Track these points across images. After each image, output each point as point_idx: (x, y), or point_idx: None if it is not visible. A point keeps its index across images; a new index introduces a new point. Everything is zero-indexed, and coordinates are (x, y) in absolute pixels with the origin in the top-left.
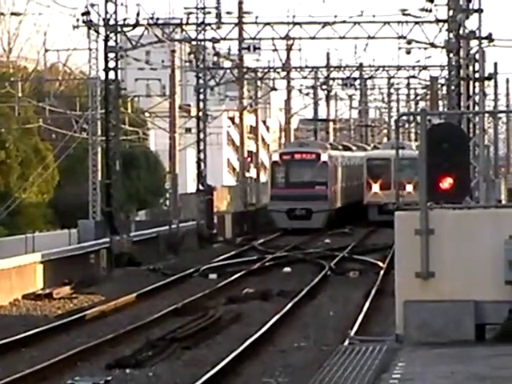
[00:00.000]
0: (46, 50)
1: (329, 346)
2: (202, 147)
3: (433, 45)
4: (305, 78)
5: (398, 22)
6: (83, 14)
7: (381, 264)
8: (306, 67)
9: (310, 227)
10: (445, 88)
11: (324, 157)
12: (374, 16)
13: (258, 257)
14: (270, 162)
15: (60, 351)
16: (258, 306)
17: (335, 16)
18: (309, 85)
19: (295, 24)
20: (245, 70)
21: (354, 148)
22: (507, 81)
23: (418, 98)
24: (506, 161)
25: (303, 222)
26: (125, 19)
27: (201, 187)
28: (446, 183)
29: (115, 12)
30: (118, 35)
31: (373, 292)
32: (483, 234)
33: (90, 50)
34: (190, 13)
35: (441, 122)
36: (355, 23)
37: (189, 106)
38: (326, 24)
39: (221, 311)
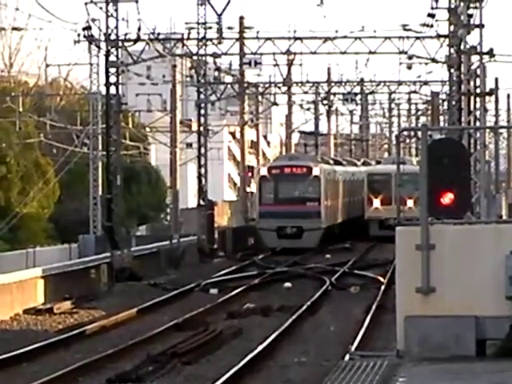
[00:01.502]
0: (47, 65)
1: (329, 361)
2: (202, 162)
3: (434, 60)
4: (306, 92)
5: (399, 37)
6: (84, 29)
7: (381, 279)
8: (307, 82)
9: (301, 247)
10: (446, 103)
11: (316, 171)
12: (374, 31)
13: (259, 272)
14: (258, 176)
15: (60, 366)
16: (259, 321)
17: (336, 31)
18: (310, 100)
19: (296, 39)
20: (246, 84)
21: (344, 163)
22: (508, 96)
23: (419, 113)
24: (507, 176)
25: (294, 242)
26: (126, 34)
27: (201, 202)
28: (447, 198)
29: (116, 27)
30: (119, 50)
31: (373, 307)
32: (484, 250)
33: (91, 64)
34: (191, 28)
35: (442, 138)
36: (356, 38)
37: (190, 120)
38: (326, 39)
39: (221, 326)
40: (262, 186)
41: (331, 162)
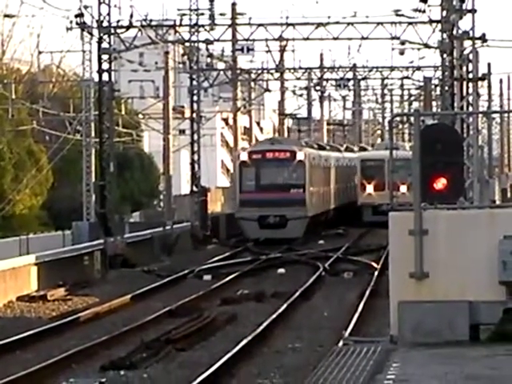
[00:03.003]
0: (40, 52)
1: (323, 346)
2: (195, 149)
3: (426, 45)
4: (298, 79)
5: (392, 23)
6: (76, 16)
7: (375, 265)
8: (300, 68)
9: (285, 237)
10: (438, 88)
11: (300, 155)
12: (367, 17)
13: (253, 258)
14: (238, 161)
15: (54, 353)
16: (253, 307)
17: (328, 17)
18: (302, 86)
19: (288, 25)
20: (238, 71)
21: (327, 148)
22: (501, 81)
23: (412, 98)
24: (500, 161)
25: (277, 232)
26: (118, 21)
27: (195, 188)
28: (440, 184)
29: (108, 14)
30: (112, 37)
31: (367, 293)
32: (477, 235)
33: (83, 51)
34: (184, 14)
35: (434, 123)
36: (348, 24)
37: (182, 107)
38: (319, 25)
39: (215, 312)
40: (242, 172)
41: (315, 146)
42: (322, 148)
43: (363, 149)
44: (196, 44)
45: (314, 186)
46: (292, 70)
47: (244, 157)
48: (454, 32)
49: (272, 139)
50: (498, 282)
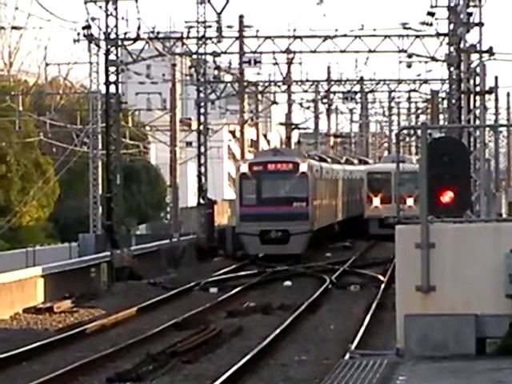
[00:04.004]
0: (47, 64)
1: (329, 359)
2: (202, 161)
3: (433, 58)
4: (305, 91)
5: (399, 36)
6: (84, 28)
7: (381, 278)
8: (307, 81)
9: (288, 253)
10: (445, 102)
11: (303, 167)
12: (374, 30)
13: (259, 270)
14: (238, 174)
15: (61, 365)
16: (259, 320)
17: (336, 30)
18: (309, 98)
19: (296, 38)
20: (245, 83)
21: (328, 160)
22: (508, 94)
23: (419, 111)
24: (507, 174)
25: (279, 247)
26: (125, 33)
27: (201, 201)
28: (447, 197)
29: (116, 26)
30: (119, 49)
31: (373, 306)
32: (484, 248)
33: (90, 63)
34: (191, 27)
35: (441, 136)
36: (356, 37)
37: (189, 119)
38: (326, 38)
39: (221, 325)
40: (242, 185)
41: (316, 158)
42: (324, 160)
43: (364, 162)
44: (203, 56)
45: (318, 199)
46: (299, 83)
47: (244, 168)
48: (462, 45)
49: (274, 150)
50: (504, 295)
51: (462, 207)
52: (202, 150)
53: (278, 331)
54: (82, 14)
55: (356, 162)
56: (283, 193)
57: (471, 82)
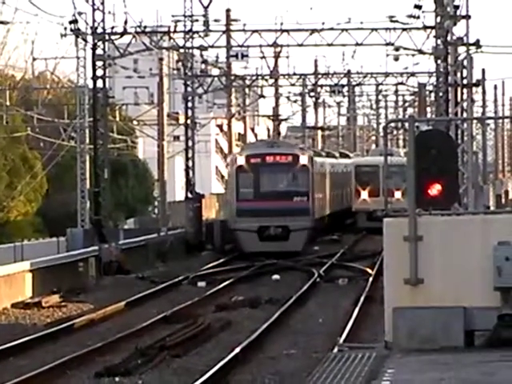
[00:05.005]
0: (34, 59)
1: (318, 353)
2: (190, 155)
3: (421, 51)
4: (293, 85)
5: (386, 29)
6: (71, 23)
7: (370, 271)
8: (294, 74)
9: (287, 250)
10: (433, 94)
11: (303, 159)
12: (361, 23)
13: (247, 264)
14: (234, 166)
15: (49, 360)
16: (248, 314)
17: (323, 23)
18: (297, 92)
19: (283, 31)
20: (233, 77)
21: (322, 154)
22: (495, 87)
23: (406, 104)
24: (494, 167)
25: (278, 244)
26: (112, 27)
27: (189, 195)
28: (435, 190)
29: (103, 20)
30: (106, 43)
31: (362, 299)
32: (472, 241)
33: (77, 58)
34: (178, 21)
35: (429, 129)
36: (343, 30)
37: (177, 113)
38: (313, 31)
39: (210, 319)
40: (239, 178)
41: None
42: (315, 153)
43: (345, 155)
44: (190, 50)
45: (317, 193)
46: (286, 76)
47: (241, 161)
48: (449, 38)
49: (270, 141)
50: (492, 287)
51: (449, 200)
52: (190, 144)
53: (266, 325)
54: (69, 9)
55: (337, 155)
56: (283, 187)
57: (458, 74)
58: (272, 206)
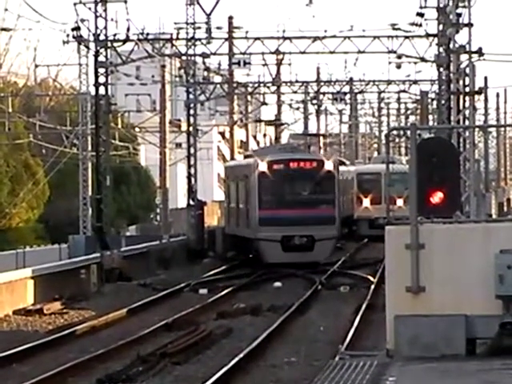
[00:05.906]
0: (36, 66)
1: (319, 360)
2: (192, 162)
3: (423, 59)
4: (295, 92)
5: (388, 37)
6: (73, 30)
7: (371, 278)
8: (296, 82)
9: (312, 260)
10: (435, 102)
11: (329, 165)
12: (364, 30)
13: (249, 271)
14: (256, 173)
15: (51, 367)
16: (249, 321)
17: (325, 31)
18: (299, 99)
19: (285, 39)
20: (235, 84)
21: None
22: (497, 95)
23: (408, 112)
24: (497, 175)
25: (303, 255)
26: (115, 34)
27: (191, 202)
28: (437, 198)
29: (105, 27)
30: (108, 50)
31: (363, 306)
32: (474, 249)
33: (80, 65)
34: (180, 28)
35: (431, 137)
36: (345, 38)
37: (179, 120)
38: (316, 39)
39: (211, 326)
40: (261, 185)
41: None
42: None
43: (341, 163)
44: (193, 57)
45: (341, 201)
46: (288, 84)
47: (263, 167)
48: (451, 46)
49: (289, 146)
50: (494, 296)
51: (451, 208)
52: (192, 151)
53: (267, 332)
54: (71, 16)
55: (348, 162)
56: (308, 194)
57: (461, 82)
58: (296, 214)
